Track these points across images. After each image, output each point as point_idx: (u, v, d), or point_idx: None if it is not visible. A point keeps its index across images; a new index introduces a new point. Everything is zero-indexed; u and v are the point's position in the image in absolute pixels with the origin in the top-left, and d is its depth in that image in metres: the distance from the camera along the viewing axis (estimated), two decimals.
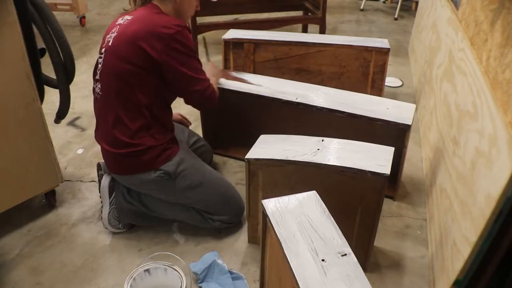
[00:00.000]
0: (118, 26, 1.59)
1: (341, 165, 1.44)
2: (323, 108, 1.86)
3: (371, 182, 1.42)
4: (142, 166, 1.60)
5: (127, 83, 1.54)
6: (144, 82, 1.54)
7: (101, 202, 1.76)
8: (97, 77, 1.62)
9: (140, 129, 1.56)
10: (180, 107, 2.63)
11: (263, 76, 2.17)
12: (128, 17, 1.59)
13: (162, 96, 1.62)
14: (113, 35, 1.57)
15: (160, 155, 1.60)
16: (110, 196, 1.72)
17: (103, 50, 1.60)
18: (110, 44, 1.57)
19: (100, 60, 1.61)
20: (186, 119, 2.11)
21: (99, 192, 1.76)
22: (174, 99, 1.72)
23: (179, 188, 1.64)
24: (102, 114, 1.62)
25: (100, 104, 1.62)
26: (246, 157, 1.53)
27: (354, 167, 1.43)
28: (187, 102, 1.71)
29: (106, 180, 1.73)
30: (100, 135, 1.66)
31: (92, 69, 1.67)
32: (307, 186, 1.35)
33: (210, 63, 2.09)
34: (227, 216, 1.72)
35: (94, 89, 1.65)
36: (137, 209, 1.71)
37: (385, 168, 1.42)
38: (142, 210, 1.71)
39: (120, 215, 1.72)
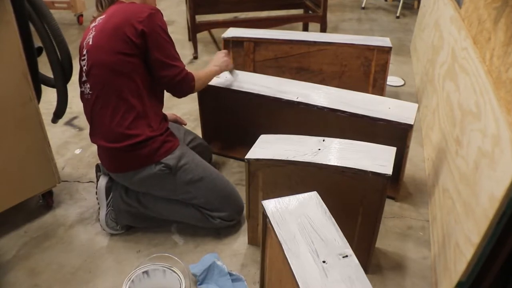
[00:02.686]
0: (94, 28, 1.61)
1: (342, 165, 1.42)
2: (324, 107, 1.84)
3: (373, 183, 1.40)
4: (142, 160, 1.59)
5: (118, 73, 1.54)
6: (134, 68, 1.55)
7: (98, 203, 1.74)
8: (84, 78, 1.62)
9: (136, 118, 1.56)
10: (178, 107, 2.63)
11: (263, 75, 2.15)
12: (101, 17, 1.62)
13: (152, 81, 1.62)
14: (92, 35, 1.59)
15: (160, 147, 1.59)
16: (107, 198, 1.71)
17: (84, 51, 1.61)
18: (90, 43, 1.58)
19: (84, 63, 1.61)
20: (180, 118, 2.09)
21: (96, 194, 1.74)
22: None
23: (180, 182, 1.63)
24: (97, 112, 1.60)
25: (92, 103, 1.60)
26: (246, 157, 1.51)
27: (355, 167, 1.41)
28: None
29: (103, 181, 1.72)
30: (97, 134, 1.64)
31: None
32: (307, 187, 1.34)
33: (221, 51, 2.05)
34: (227, 212, 1.70)
35: (82, 93, 1.65)
36: (135, 210, 1.70)
37: (387, 168, 1.40)
38: (140, 211, 1.70)
39: (117, 216, 1.71)
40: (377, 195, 1.42)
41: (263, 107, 2.03)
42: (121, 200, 1.70)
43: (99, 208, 1.74)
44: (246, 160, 1.51)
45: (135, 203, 1.69)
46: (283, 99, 1.91)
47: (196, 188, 1.65)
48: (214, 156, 2.18)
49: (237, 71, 2.12)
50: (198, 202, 1.67)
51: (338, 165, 1.42)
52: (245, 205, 1.68)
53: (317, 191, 1.32)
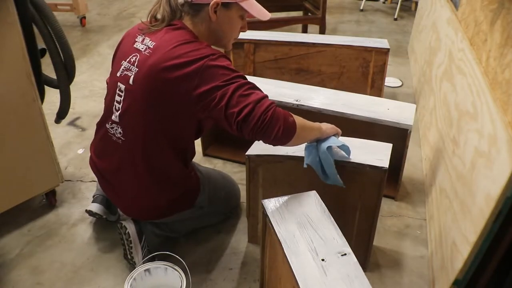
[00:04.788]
0: (138, 55, 1.33)
1: (341, 159, 1.44)
2: (323, 109, 1.85)
3: (371, 176, 1.43)
4: (174, 212, 1.56)
5: (155, 140, 1.39)
6: (180, 130, 1.40)
7: (124, 244, 1.56)
8: (115, 118, 1.40)
9: (169, 197, 1.50)
10: None
11: (263, 78, 2.16)
12: (149, 43, 1.32)
13: (193, 140, 1.51)
14: (134, 69, 1.33)
15: (188, 196, 1.57)
16: (140, 241, 1.57)
17: (122, 87, 1.36)
18: (131, 83, 1.33)
19: (119, 99, 1.37)
20: None
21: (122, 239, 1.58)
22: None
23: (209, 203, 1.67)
24: (124, 165, 1.46)
25: (124, 153, 1.44)
26: (246, 153, 1.53)
27: (353, 161, 1.44)
28: (231, 131, 1.30)
29: (131, 227, 1.55)
30: (119, 195, 1.55)
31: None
32: (307, 182, 1.36)
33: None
34: (232, 205, 1.82)
35: (107, 130, 1.45)
36: (167, 236, 1.67)
37: (384, 162, 1.43)
38: (171, 236, 1.68)
39: (151, 250, 1.62)
40: (375, 188, 1.45)
41: None
42: (154, 236, 1.62)
43: (126, 248, 1.56)
44: (246, 156, 1.53)
45: (168, 233, 1.65)
46: (282, 102, 1.93)
47: (220, 200, 1.71)
48: (214, 160, 2.20)
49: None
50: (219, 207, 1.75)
51: (337, 159, 1.44)
52: (245, 204, 1.70)
53: (316, 186, 1.34)
